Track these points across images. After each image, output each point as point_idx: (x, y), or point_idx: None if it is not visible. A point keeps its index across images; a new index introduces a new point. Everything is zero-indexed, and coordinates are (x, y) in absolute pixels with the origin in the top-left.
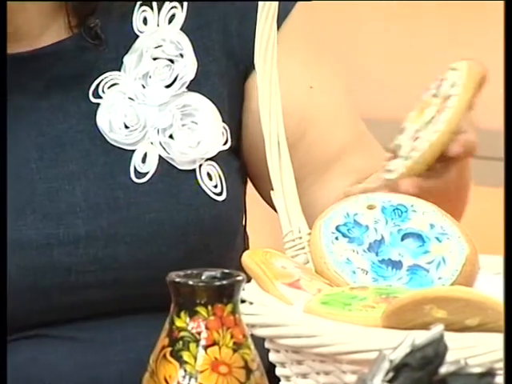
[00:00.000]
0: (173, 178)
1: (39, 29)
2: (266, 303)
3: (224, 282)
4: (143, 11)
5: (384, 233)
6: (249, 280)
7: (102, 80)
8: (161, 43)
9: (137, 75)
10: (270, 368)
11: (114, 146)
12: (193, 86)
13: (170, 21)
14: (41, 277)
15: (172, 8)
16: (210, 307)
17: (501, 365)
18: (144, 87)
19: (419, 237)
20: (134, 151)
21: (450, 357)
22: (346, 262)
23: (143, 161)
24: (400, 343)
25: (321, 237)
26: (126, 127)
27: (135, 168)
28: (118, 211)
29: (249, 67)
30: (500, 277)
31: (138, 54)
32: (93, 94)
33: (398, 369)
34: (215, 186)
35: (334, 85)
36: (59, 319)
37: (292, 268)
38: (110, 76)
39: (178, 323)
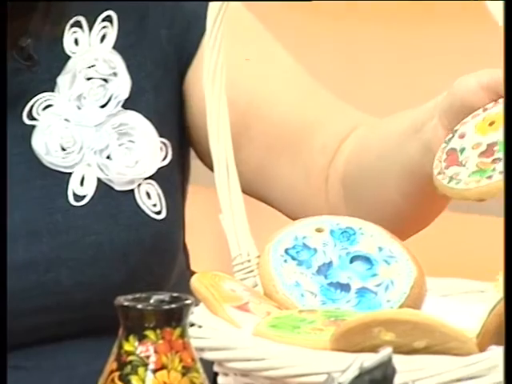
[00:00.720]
0: (111, 199)
1: None
2: (214, 326)
3: (173, 306)
4: (74, 32)
5: (332, 256)
6: (198, 303)
7: (37, 101)
8: (93, 63)
9: (71, 96)
10: None
11: (51, 169)
12: (128, 105)
13: (102, 40)
14: None
15: (103, 28)
16: (158, 331)
17: None
18: (79, 108)
19: (367, 260)
20: (71, 174)
21: (398, 380)
22: (295, 284)
23: (81, 183)
24: (348, 366)
25: (270, 260)
26: (63, 149)
27: (73, 191)
28: (58, 235)
29: (183, 70)
30: (447, 299)
31: (71, 74)
32: (27, 116)
33: None
34: (154, 205)
35: (277, 55)
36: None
37: (241, 291)
38: (44, 97)
39: (127, 347)
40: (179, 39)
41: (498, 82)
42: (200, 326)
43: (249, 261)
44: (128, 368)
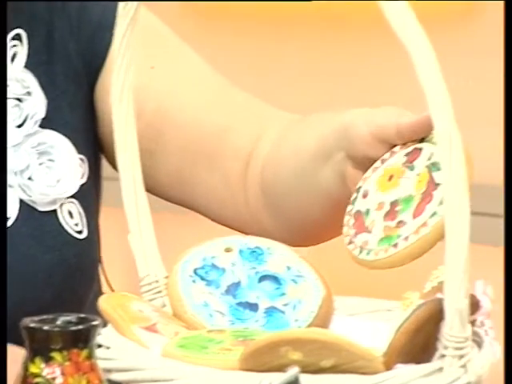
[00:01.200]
0: (34, 220)
1: None
2: (122, 347)
3: (80, 327)
4: None
5: (241, 275)
6: (105, 324)
7: None
8: (7, 83)
9: None
10: None
11: None
12: (45, 123)
13: (13, 60)
14: None
15: (13, 46)
16: (65, 352)
17: None
18: None
19: (276, 279)
20: None
21: None
22: (204, 304)
23: None
24: None
25: (178, 280)
26: None
27: None
28: None
29: (93, 83)
30: (354, 318)
31: None
32: None
33: None
34: (76, 225)
35: (185, 58)
36: None
37: (149, 312)
38: None
39: (33, 369)
40: (86, 52)
41: (386, 129)
42: (108, 347)
43: (157, 281)
44: None
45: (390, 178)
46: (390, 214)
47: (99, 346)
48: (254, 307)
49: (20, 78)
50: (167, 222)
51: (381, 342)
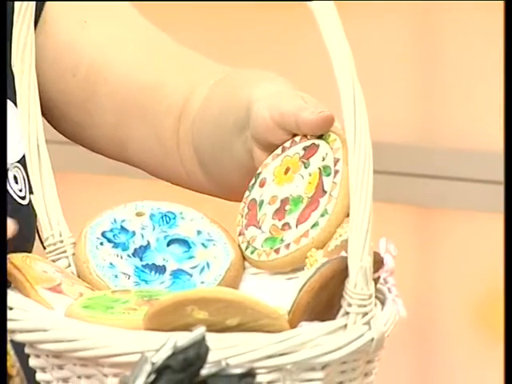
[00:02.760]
0: None
1: None
2: (26, 308)
3: None
4: None
5: (150, 239)
6: (9, 285)
7: None
8: None
9: None
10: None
11: None
12: None
13: None
14: None
15: None
16: None
17: (261, 364)
18: None
19: (185, 242)
20: None
21: (211, 357)
22: (109, 266)
23: None
24: (162, 345)
25: (86, 242)
26: None
27: None
28: None
29: None
30: (260, 276)
31: None
32: None
33: (160, 371)
34: (20, 190)
35: (118, 13)
36: None
37: (53, 272)
38: None
39: None
40: None
41: (287, 118)
42: (11, 308)
43: (61, 241)
44: None
45: (287, 170)
46: (280, 212)
47: None
48: (160, 269)
49: None
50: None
51: (287, 300)
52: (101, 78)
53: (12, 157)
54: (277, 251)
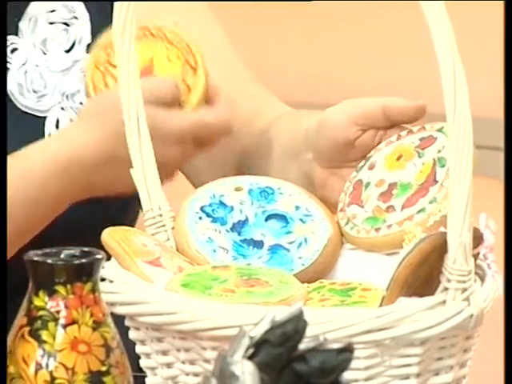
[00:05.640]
0: None
1: None
2: (126, 281)
3: (83, 261)
4: None
5: (249, 214)
6: (109, 258)
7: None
8: (54, 7)
9: (35, 41)
10: (130, 346)
11: (26, 112)
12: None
13: None
14: None
15: None
16: (69, 286)
17: (359, 339)
18: (45, 53)
19: (283, 218)
20: (45, 118)
21: (309, 332)
22: (208, 240)
23: (57, 127)
24: (260, 320)
25: (185, 216)
26: (35, 92)
27: (50, 134)
28: None
29: None
30: (359, 252)
31: (33, 19)
32: None
33: (258, 345)
34: None
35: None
36: None
37: (152, 246)
38: (10, 40)
39: (37, 302)
40: None
41: (371, 110)
42: (111, 281)
43: (160, 215)
44: (38, 323)
45: (399, 157)
46: (386, 195)
47: (103, 279)
48: (258, 244)
49: (66, 3)
50: None
51: (385, 276)
52: None
53: None
54: (377, 230)
